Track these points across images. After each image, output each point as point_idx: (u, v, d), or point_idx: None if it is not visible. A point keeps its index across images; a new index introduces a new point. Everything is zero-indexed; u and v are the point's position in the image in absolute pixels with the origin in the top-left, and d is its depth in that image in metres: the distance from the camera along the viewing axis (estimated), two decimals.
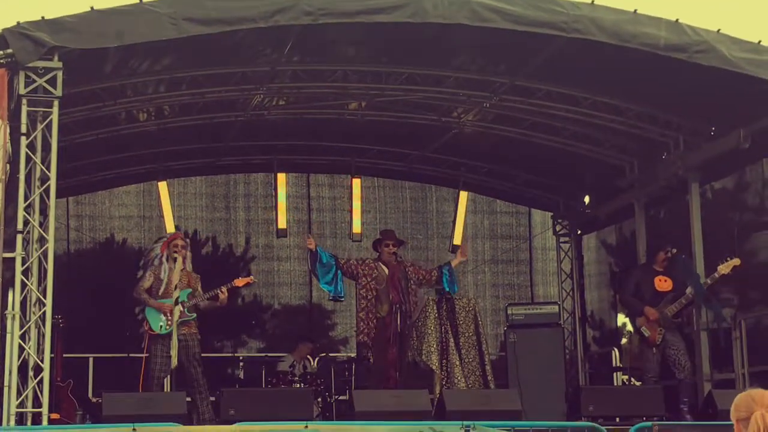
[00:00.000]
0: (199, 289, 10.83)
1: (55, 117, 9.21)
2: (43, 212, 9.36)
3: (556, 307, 13.53)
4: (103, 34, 9.22)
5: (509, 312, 12.93)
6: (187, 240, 11.23)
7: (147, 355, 10.62)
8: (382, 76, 11.74)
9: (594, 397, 10.28)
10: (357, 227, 14.96)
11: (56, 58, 9.16)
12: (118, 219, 15.20)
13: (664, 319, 11.28)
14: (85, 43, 9.22)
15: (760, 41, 10.23)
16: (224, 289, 10.74)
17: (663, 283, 11.48)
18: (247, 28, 9.55)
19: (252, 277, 11.48)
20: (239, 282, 11.04)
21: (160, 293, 10.65)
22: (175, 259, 10.73)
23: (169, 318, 10.54)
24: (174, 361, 10.40)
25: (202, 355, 10.97)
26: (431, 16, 9.61)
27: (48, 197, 9.18)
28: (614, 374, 14.58)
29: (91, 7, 9.19)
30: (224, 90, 11.73)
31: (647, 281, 11.53)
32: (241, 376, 13.56)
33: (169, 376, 11.18)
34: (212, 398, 11.09)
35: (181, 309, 10.60)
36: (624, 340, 15.46)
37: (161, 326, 10.52)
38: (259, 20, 9.43)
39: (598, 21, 9.88)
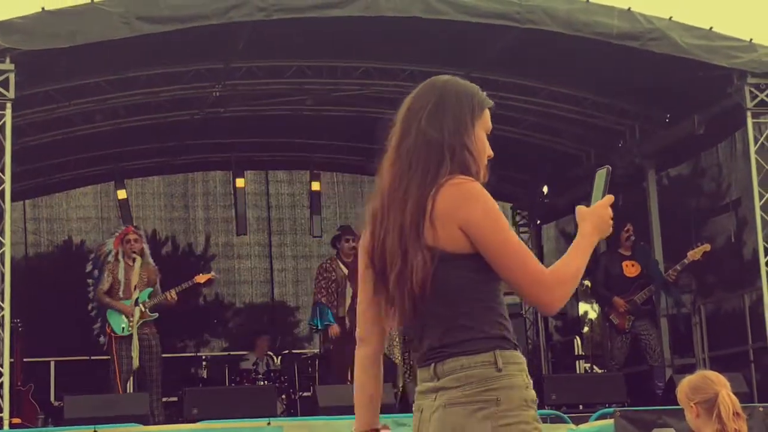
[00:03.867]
0: (158, 284, 10.71)
1: (8, 119, 9.16)
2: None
3: (518, 297, 13.55)
4: (55, 35, 9.18)
5: None
6: (140, 232, 11.10)
7: (110, 357, 10.50)
8: (338, 71, 11.73)
9: (556, 386, 10.34)
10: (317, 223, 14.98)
11: (8, 60, 9.11)
12: (76, 221, 15.07)
13: (634, 307, 11.34)
14: (37, 44, 9.18)
15: (711, 28, 10.32)
16: (173, 293, 10.61)
17: (631, 268, 11.54)
18: (201, 26, 9.51)
19: (213, 273, 11.40)
20: (200, 278, 10.95)
21: (120, 294, 10.53)
22: (133, 259, 10.62)
23: (131, 320, 10.44)
24: (135, 362, 10.32)
25: (164, 355, 10.90)
26: (384, 10, 9.62)
27: (3, 201, 9.12)
28: (576, 362, 14.67)
29: (42, 8, 9.16)
30: (179, 88, 11.68)
31: (615, 267, 11.58)
32: (205, 375, 13.51)
33: (131, 378, 11.09)
34: (174, 398, 11.04)
35: (143, 309, 10.50)
36: (586, 329, 15.56)
37: (123, 328, 10.41)
38: (212, 17, 9.42)
39: (551, 11, 9.93)
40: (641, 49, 10.13)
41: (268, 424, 8.30)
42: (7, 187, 9.11)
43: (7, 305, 8.96)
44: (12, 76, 9.12)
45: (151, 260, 10.88)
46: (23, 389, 11.48)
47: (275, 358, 13.74)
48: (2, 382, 8.80)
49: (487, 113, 3.35)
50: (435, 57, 11.53)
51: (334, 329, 11.34)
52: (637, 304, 11.32)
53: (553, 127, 13.14)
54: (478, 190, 3.19)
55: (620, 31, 10.03)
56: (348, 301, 11.49)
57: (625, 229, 11.59)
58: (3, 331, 8.92)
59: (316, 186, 14.77)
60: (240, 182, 14.33)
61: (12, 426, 9.07)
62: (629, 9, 10.10)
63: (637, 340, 11.38)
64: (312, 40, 10.90)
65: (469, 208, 3.16)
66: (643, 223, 12.28)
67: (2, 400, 8.77)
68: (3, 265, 9.04)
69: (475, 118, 3.31)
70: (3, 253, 9.05)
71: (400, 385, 11.15)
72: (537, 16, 9.91)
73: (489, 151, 3.34)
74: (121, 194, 13.97)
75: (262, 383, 12.36)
